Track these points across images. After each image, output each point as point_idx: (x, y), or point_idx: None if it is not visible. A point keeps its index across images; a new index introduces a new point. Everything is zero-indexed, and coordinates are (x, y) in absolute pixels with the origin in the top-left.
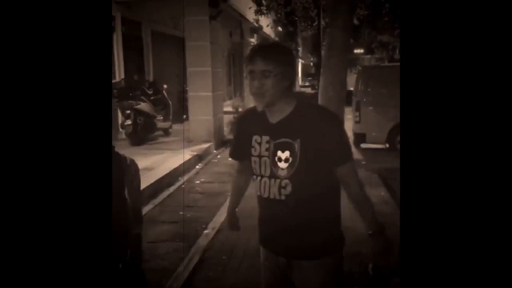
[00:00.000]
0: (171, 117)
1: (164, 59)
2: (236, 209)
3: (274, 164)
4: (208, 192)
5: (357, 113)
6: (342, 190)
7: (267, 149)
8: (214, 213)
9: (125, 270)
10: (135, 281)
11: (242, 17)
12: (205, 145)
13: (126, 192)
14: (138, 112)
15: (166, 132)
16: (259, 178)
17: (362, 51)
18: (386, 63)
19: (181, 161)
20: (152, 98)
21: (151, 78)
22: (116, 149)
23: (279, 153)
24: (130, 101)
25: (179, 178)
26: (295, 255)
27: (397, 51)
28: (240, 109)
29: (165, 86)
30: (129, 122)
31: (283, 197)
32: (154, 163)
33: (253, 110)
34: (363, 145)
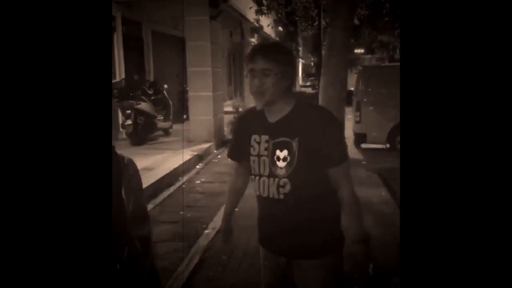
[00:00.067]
0: (171, 117)
1: (165, 59)
2: (231, 220)
3: (273, 163)
4: (208, 192)
5: (358, 113)
6: None
7: (266, 148)
8: (214, 213)
9: (124, 270)
10: (135, 281)
11: (243, 17)
12: (206, 145)
13: (123, 192)
14: (139, 112)
15: (167, 132)
16: (257, 177)
17: (362, 51)
18: (387, 63)
19: (182, 161)
20: (152, 98)
21: (151, 78)
22: (116, 149)
23: (278, 152)
24: (130, 101)
25: (179, 178)
26: (295, 255)
27: (398, 51)
28: (240, 109)
29: (165, 86)
30: (129, 122)
31: (281, 196)
32: (155, 163)
33: (252, 110)
34: (363, 145)
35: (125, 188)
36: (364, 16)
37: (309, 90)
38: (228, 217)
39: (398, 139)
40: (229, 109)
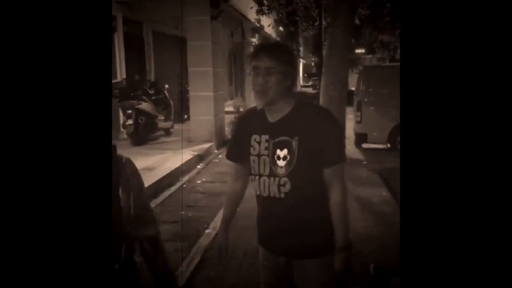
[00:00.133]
0: (172, 117)
1: (166, 59)
2: (228, 231)
3: (273, 163)
4: (209, 192)
5: (358, 113)
6: None
7: (266, 148)
8: (215, 212)
9: (123, 271)
10: (134, 281)
11: (243, 17)
12: (206, 145)
13: (120, 192)
14: (140, 112)
15: (167, 132)
16: (257, 177)
17: (363, 51)
18: (387, 63)
19: (183, 161)
20: (153, 98)
21: (152, 78)
22: (117, 149)
23: (278, 151)
24: (131, 101)
25: (180, 178)
26: (295, 255)
27: (399, 51)
28: (241, 109)
29: (166, 86)
30: (130, 122)
31: (282, 195)
32: (155, 163)
33: (253, 110)
34: (364, 145)
35: (122, 187)
36: (365, 16)
37: (310, 90)
38: (226, 227)
39: (399, 139)
40: (230, 109)
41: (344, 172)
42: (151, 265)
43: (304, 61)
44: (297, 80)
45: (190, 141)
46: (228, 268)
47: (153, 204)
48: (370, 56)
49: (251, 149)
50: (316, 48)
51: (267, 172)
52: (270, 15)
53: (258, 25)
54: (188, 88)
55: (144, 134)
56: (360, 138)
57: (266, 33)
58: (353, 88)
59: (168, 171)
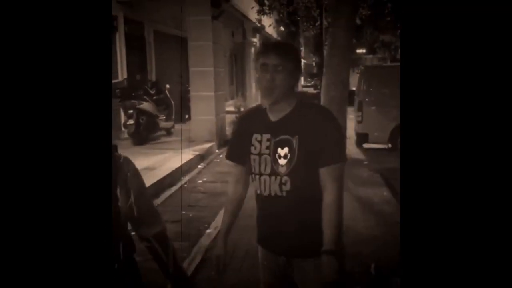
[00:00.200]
0: (173, 116)
1: (167, 59)
2: (227, 240)
3: (274, 161)
4: (210, 192)
5: (360, 113)
6: (344, 190)
7: (267, 147)
8: (216, 212)
9: (123, 270)
10: (134, 281)
11: (244, 17)
12: (207, 145)
13: (118, 191)
14: (141, 112)
15: (169, 132)
16: (258, 176)
17: (364, 51)
18: (388, 63)
19: (184, 161)
20: (154, 98)
21: (153, 78)
22: (118, 149)
23: (279, 150)
24: (132, 101)
25: (181, 178)
26: (295, 254)
27: (399, 51)
28: (242, 109)
29: (167, 86)
30: (131, 121)
31: (284, 193)
32: (156, 163)
33: (254, 110)
34: (365, 145)
35: (120, 187)
36: (366, 16)
37: (311, 90)
38: (226, 236)
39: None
40: (231, 109)
41: (342, 174)
42: (162, 263)
43: (305, 61)
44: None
45: (191, 141)
46: (229, 268)
47: (154, 204)
48: (371, 56)
49: (252, 148)
50: (317, 48)
51: (268, 171)
52: (271, 15)
53: (259, 25)
54: (189, 88)
55: (145, 134)
56: (361, 138)
57: (267, 33)
58: (354, 88)
59: (169, 171)
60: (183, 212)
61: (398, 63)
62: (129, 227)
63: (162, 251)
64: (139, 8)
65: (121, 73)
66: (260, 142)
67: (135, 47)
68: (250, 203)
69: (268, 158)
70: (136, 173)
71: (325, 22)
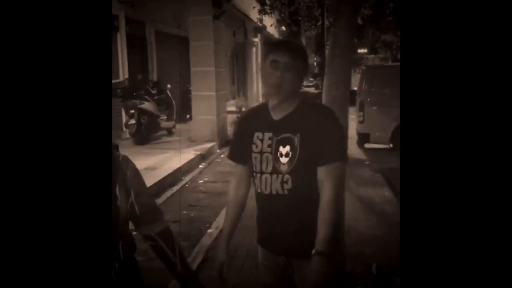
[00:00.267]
0: (174, 116)
1: (168, 58)
2: (229, 245)
3: (276, 160)
4: (211, 192)
5: (361, 113)
6: (345, 190)
7: (269, 145)
8: (217, 212)
9: (123, 270)
10: (135, 280)
11: (246, 17)
12: (209, 145)
13: (117, 190)
14: (142, 112)
15: (170, 131)
16: (259, 175)
17: (366, 50)
18: (390, 63)
19: (185, 161)
20: (155, 97)
21: (155, 78)
22: (120, 148)
23: (281, 148)
24: (134, 101)
25: (182, 178)
26: (295, 254)
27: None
28: (243, 109)
29: (168, 85)
30: (133, 121)
31: (286, 192)
32: (158, 163)
33: (256, 109)
34: (366, 145)
35: (119, 186)
36: (368, 16)
37: (312, 90)
38: (228, 241)
39: None
40: (232, 108)
41: (341, 174)
42: (169, 261)
43: None
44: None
45: (192, 141)
46: (230, 268)
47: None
48: (372, 55)
49: (253, 146)
50: (318, 48)
51: (269, 169)
52: (273, 15)
53: (260, 24)
54: (190, 87)
55: (147, 134)
56: (363, 138)
57: (268, 33)
58: (355, 88)
59: (170, 170)
60: (184, 212)
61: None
62: (131, 226)
63: (168, 249)
64: (140, 8)
65: (123, 73)
66: (261, 140)
67: (137, 47)
68: (251, 203)
69: (270, 156)
70: (135, 172)
71: (326, 22)
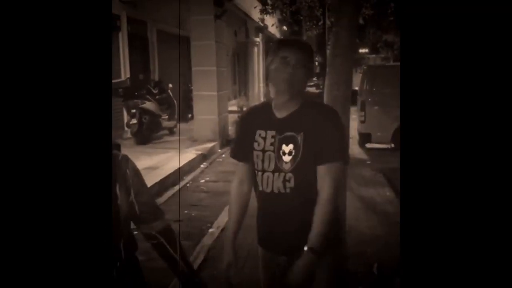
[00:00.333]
0: (176, 116)
1: (169, 58)
2: (236, 245)
3: (279, 158)
4: (213, 191)
5: (362, 113)
6: (346, 190)
7: (272, 144)
8: (219, 212)
9: (124, 268)
10: (134, 280)
11: (247, 16)
12: (210, 144)
13: (117, 189)
14: (144, 111)
15: (171, 131)
16: (261, 173)
17: (367, 50)
18: (391, 63)
19: (186, 160)
20: (157, 97)
21: (156, 78)
22: (121, 148)
23: (284, 146)
24: (135, 100)
25: (184, 177)
26: (296, 254)
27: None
28: (244, 108)
29: (170, 85)
30: (134, 121)
31: (288, 190)
32: (159, 162)
33: (258, 107)
34: (368, 145)
35: (119, 185)
36: (369, 16)
37: (313, 89)
38: (234, 241)
39: None
40: (234, 108)
41: (341, 174)
42: (171, 259)
43: None
44: None
45: (193, 141)
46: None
47: (157, 203)
48: (374, 55)
49: (255, 144)
50: (320, 47)
51: (271, 167)
52: (274, 15)
53: (262, 24)
54: (192, 87)
55: (148, 133)
56: (364, 138)
57: (270, 32)
58: (357, 88)
59: (172, 170)
60: (186, 211)
61: None
62: (132, 226)
63: (170, 247)
64: (142, 8)
65: (124, 73)
66: (264, 138)
67: (138, 47)
68: (253, 203)
69: (272, 154)
70: (135, 171)
71: (328, 22)
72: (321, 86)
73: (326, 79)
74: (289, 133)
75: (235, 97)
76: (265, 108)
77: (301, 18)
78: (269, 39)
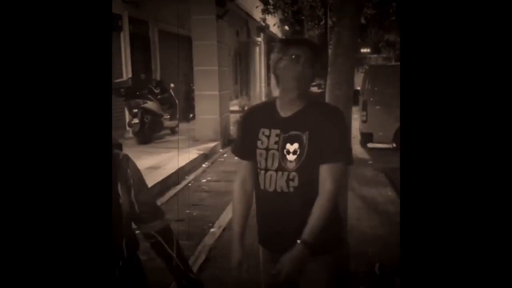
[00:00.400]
0: (177, 116)
1: (171, 58)
2: (244, 242)
3: (283, 157)
4: (214, 191)
5: (364, 113)
6: (348, 190)
7: (276, 142)
8: (220, 211)
9: (126, 268)
10: (136, 280)
11: (249, 16)
12: (212, 144)
13: (119, 189)
14: (145, 111)
15: (173, 131)
16: (263, 171)
17: (369, 50)
18: (393, 62)
19: (188, 160)
20: (159, 97)
21: (158, 77)
22: (123, 148)
23: (288, 145)
24: (137, 100)
25: (185, 177)
26: None
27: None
28: (246, 108)
29: (172, 85)
30: (136, 120)
31: (291, 189)
32: (161, 162)
33: (262, 105)
34: (369, 145)
35: (120, 184)
36: (371, 16)
37: (314, 89)
38: (242, 240)
39: None
40: (235, 108)
41: (342, 175)
42: (168, 259)
43: None
44: None
45: (195, 140)
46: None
47: (158, 202)
48: (375, 55)
49: (259, 142)
50: (321, 47)
51: (275, 166)
52: (276, 14)
53: (263, 24)
54: (193, 87)
55: (150, 133)
56: (366, 138)
57: (271, 32)
58: (358, 88)
59: (173, 170)
60: (187, 211)
61: None
62: (133, 225)
63: (168, 247)
64: (144, 8)
65: (126, 72)
66: (268, 137)
67: (140, 47)
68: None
69: (276, 153)
70: (135, 170)
71: (329, 22)
72: (322, 86)
73: (328, 79)
74: (294, 132)
75: (236, 97)
76: (268, 107)
77: (303, 17)
78: (270, 39)
